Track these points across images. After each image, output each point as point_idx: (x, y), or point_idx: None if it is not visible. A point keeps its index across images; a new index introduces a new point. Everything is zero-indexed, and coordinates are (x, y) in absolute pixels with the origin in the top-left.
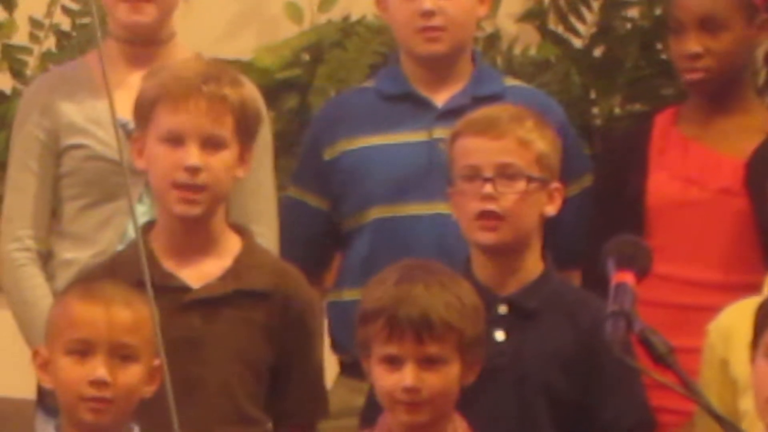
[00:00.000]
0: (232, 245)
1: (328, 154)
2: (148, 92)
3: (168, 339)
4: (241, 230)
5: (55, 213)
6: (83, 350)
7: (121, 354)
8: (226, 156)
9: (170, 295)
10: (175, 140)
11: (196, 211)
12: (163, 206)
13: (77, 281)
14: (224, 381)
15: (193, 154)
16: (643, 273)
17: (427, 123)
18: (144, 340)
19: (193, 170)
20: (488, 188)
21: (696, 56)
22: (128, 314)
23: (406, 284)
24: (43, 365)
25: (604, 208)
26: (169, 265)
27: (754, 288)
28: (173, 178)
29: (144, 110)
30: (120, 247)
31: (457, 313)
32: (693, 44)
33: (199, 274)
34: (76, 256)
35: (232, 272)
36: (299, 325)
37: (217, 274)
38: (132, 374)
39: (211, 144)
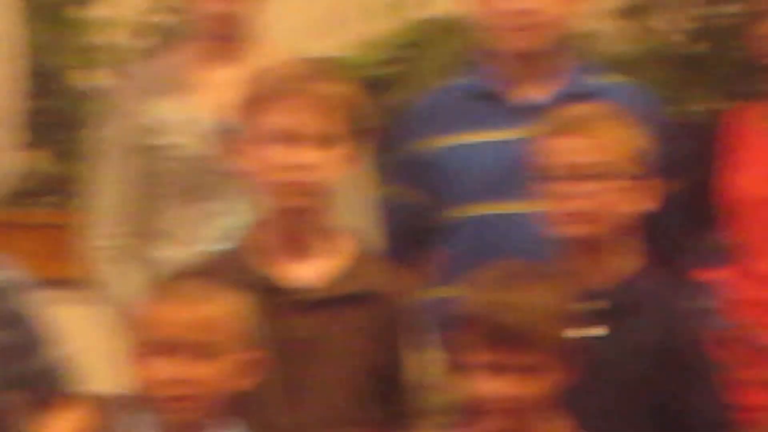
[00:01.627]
0: (340, 247)
1: (421, 146)
2: (253, 94)
3: (281, 340)
4: (348, 233)
5: (148, 211)
6: (163, 350)
7: (201, 351)
8: (336, 153)
9: (281, 295)
10: (285, 139)
11: (306, 204)
12: (273, 203)
13: (159, 281)
14: (340, 381)
15: (305, 153)
16: (730, 270)
17: (519, 120)
18: (226, 336)
19: (307, 167)
20: (584, 187)
21: None
22: (205, 311)
23: (500, 291)
24: (136, 364)
25: (690, 205)
26: (277, 265)
27: None
28: (285, 177)
29: (249, 112)
30: (218, 245)
31: (554, 321)
32: None
33: (308, 275)
34: (171, 254)
35: (344, 274)
36: (405, 326)
37: (328, 275)
38: (213, 370)
39: (321, 141)
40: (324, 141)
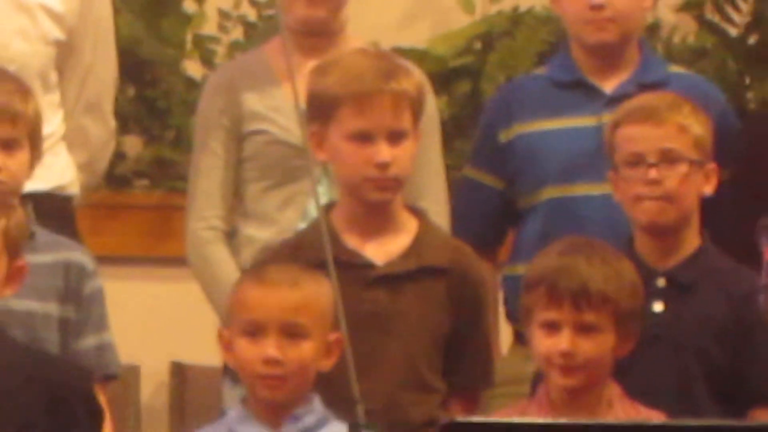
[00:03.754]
0: (409, 225)
1: (503, 137)
2: (328, 90)
3: (355, 313)
4: (415, 211)
5: (238, 194)
6: (255, 331)
7: (291, 333)
8: (409, 145)
9: (355, 271)
10: (364, 138)
11: (389, 197)
12: (353, 194)
13: (252, 266)
14: (409, 352)
15: (383, 151)
16: None
17: (596, 109)
18: (314, 318)
19: (384, 166)
20: (653, 173)
21: None
22: (296, 295)
23: (569, 256)
24: (227, 346)
25: (746, 188)
26: (351, 243)
27: None
28: (365, 174)
29: (324, 107)
30: (301, 226)
31: (614, 286)
32: None
33: (380, 252)
34: (259, 234)
35: (413, 250)
36: (473, 299)
37: (398, 251)
38: (303, 351)
39: (396, 137)
40: (395, 137)
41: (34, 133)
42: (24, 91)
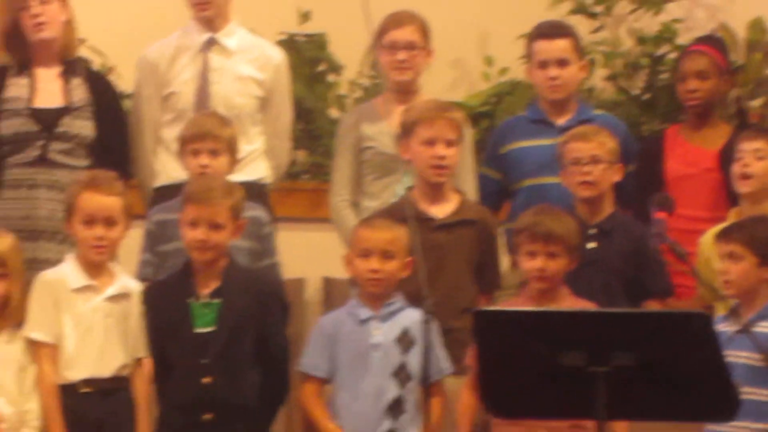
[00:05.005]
0: (454, 198)
1: (502, 150)
2: (411, 117)
3: (425, 247)
4: (458, 190)
5: (359, 181)
6: (366, 254)
7: (386, 255)
8: (455, 150)
9: (425, 223)
10: (431, 143)
11: (443, 180)
12: (423, 177)
13: (366, 218)
14: (456, 269)
15: (441, 151)
16: (670, 212)
17: (553, 134)
18: (399, 248)
19: (442, 158)
20: (586, 169)
21: (693, 91)
22: (390, 234)
23: (540, 215)
24: (348, 262)
25: (642, 179)
26: (422, 207)
27: (723, 220)
28: (431, 163)
29: (409, 126)
30: (394, 200)
31: (566, 231)
32: (691, 85)
33: (439, 212)
34: (370, 204)
35: (458, 211)
36: (491, 239)
37: (450, 212)
38: (392, 266)
39: (449, 144)
40: (450, 144)
41: (230, 146)
42: (222, 122)
